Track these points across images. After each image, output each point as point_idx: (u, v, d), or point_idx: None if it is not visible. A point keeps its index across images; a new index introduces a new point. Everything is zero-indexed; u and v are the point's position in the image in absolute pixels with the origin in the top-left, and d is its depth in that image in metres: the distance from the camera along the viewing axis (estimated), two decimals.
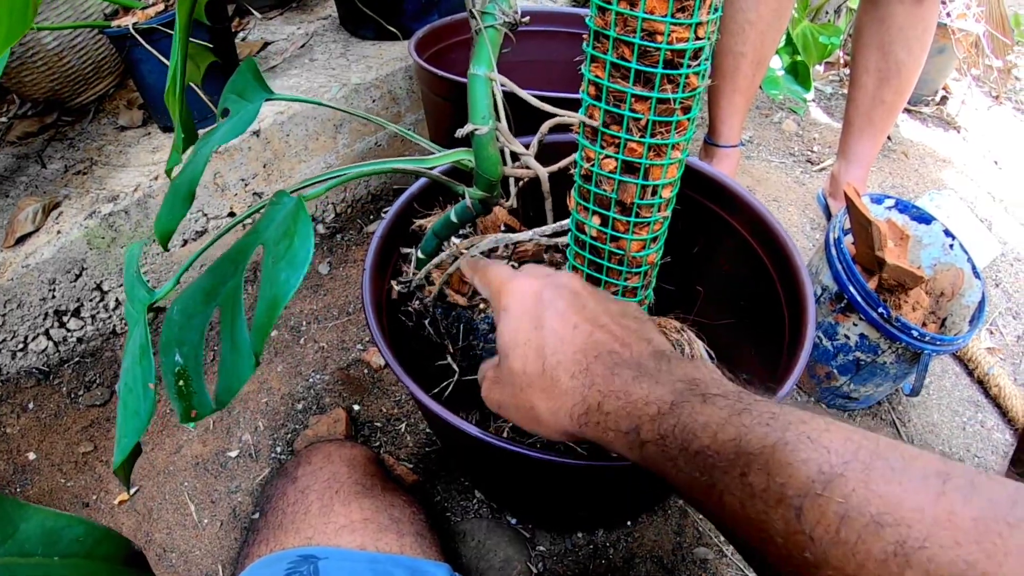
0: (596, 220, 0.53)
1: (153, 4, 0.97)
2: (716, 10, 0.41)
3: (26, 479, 0.93)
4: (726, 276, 0.80)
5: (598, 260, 0.56)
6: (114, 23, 0.97)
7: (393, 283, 0.69)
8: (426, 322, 0.68)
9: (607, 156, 0.48)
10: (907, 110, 1.72)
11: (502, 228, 0.70)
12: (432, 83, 0.99)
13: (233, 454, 0.94)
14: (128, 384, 0.44)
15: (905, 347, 0.85)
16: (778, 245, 0.70)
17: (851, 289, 0.86)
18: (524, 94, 0.53)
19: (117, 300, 1.12)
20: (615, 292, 0.58)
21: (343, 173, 0.53)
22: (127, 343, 0.47)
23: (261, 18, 1.38)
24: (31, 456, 0.95)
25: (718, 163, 1.22)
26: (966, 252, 0.96)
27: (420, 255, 0.68)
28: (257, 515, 0.80)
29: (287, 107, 1.11)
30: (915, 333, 0.82)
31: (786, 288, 0.68)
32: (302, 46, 1.27)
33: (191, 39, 0.56)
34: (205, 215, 1.12)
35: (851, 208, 0.93)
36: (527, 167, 0.57)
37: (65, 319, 1.08)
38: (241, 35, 1.34)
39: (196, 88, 0.99)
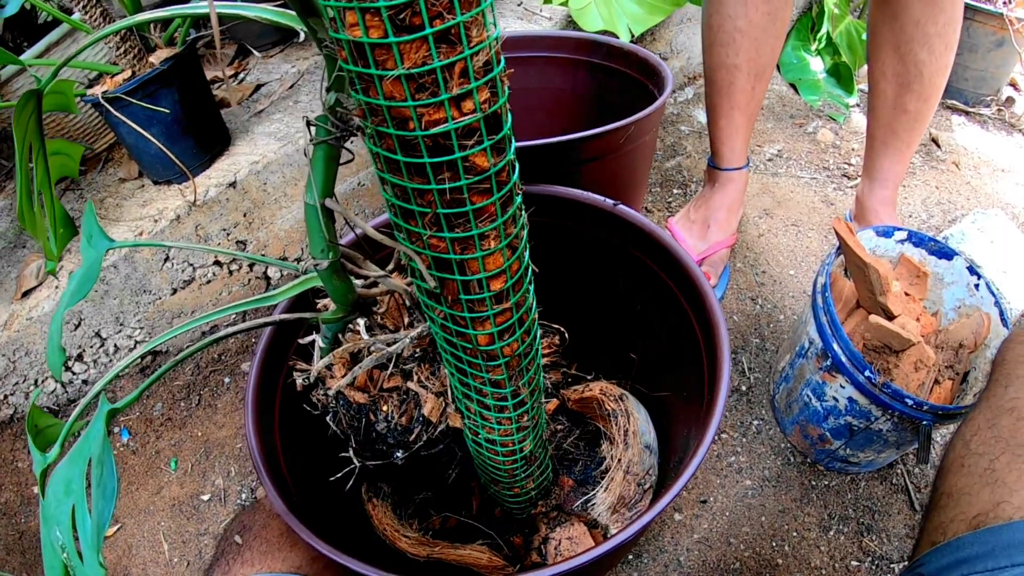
0: (438, 315, 0.47)
1: (121, 72, 0.99)
2: (489, 72, 0.35)
3: (29, 511, 0.99)
4: (664, 334, 0.71)
5: (457, 352, 0.50)
6: (89, 92, 1.01)
7: (296, 376, 0.66)
8: (328, 418, 0.64)
9: (418, 252, 0.42)
10: (965, 112, 1.51)
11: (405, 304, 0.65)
12: None
13: (205, 498, 0.97)
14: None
15: (901, 415, 0.72)
16: (706, 312, 0.61)
17: (834, 347, 0.75)
18: (370, 230, 0.48)
19: (115, 346, 1.16)
20: (481, 384, 0.52)
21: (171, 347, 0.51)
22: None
23: (261, 57, 1.40)
24: (36, 490, 1.01)
25: (721, 187, 1.11)
26: (994, 294, 0.82)
27: (322, 344, 0.65)
28: (238, 538, 0.84)
29: (262, 156, 1.11)
30: (909, 402, 0.70)
31: (709, 357, 0.60)
32: (291, 87, 1.28)
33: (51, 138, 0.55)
34: (191, 265, 1.14)
35: (843, 247, 0.81)
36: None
37: (70, 363, 1.14)
38: (240, 76, 1.36)
39: (163, 148, 1.01)
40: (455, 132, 0.35)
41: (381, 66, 0.33)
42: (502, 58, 0.36)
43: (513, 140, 0.40)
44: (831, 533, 0.83)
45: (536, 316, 0.51)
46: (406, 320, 0.66)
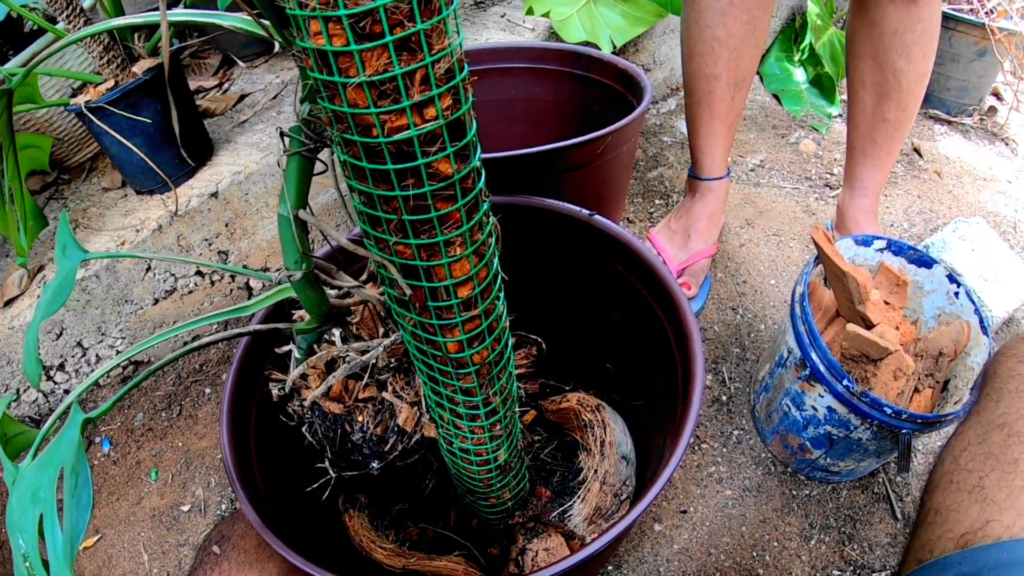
0: (408, 323, 0.47)
1: (104, 81, 0.99)
2: (451, 79, 0.35)
3: (0, 520, 0.96)
4: (640, 344, 0.71)
5: (428, 360, 0.50)
6: (72, 101, 1.00)
7: (271, 386, 0.66)
8: (304, 428, 0.64)
9: (385, 259, 0.42)
10: (947, 122, 1.53)
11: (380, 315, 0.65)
12: None
13: (185, 508, 0.96)
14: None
15: (880, 424, 0.73)
16: (680, 324, 0.61)
17: (812, 356, 0.75)
18: (343, 240, 0.48)
19: (97, 356, 1.15)
20: (453, 392, 0.52)
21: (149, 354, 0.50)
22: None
23: (246, 67, 1.40)
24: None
25: (702, 197, 1.11)
26: (973, 301, 0.82)
27: (298, 355, 0.65)
28: (217, 548, 0.84)
29: (244, 166, 1.10)
30: (888, 411, 0.70)
31: (683, 368, 0.59)
32: (274, 97, 1.28)
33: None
34: (173, 275, 1.13)
35: (822, 256, 0.81)
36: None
37: (52, 373, 1.13)
38: (225, 86, 1.36)
39: (145, 158, 1.00)
40: (418, 139, 0.35)
41: (344, 74, 0.33)
42: (465, 66, 0.36)
43: (478, 147, 0.40)
44: (812, 542, 0.82)
45: (507, 324, 0.51)
46: (381, 331, 0.65)
